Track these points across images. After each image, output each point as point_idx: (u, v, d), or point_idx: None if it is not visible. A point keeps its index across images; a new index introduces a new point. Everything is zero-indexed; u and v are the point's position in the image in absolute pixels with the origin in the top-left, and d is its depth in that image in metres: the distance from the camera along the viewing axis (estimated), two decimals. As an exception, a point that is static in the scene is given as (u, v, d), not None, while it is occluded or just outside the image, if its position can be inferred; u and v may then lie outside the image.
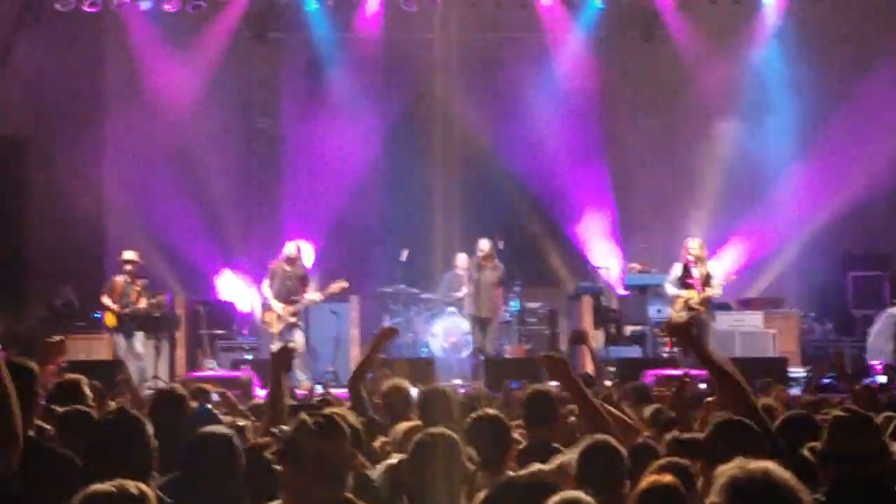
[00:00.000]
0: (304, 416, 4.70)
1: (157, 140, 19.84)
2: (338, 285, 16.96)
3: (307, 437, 4.45)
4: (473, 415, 5.77)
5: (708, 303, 16.72)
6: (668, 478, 4.91)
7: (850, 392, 9.66)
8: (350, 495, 4.48)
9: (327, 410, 5.61)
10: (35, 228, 19.58)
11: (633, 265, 17.55)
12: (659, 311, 18.26)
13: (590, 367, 16.41)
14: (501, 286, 17.87)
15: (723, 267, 18.35)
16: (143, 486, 3.84)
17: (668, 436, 6.52)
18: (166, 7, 19.22)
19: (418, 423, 6.93)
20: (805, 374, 16.80)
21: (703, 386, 11.12)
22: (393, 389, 7.73)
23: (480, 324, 17.63)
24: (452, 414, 6.90)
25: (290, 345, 16.34)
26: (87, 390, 7.10)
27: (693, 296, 16.54)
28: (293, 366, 16.19)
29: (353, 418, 5.39)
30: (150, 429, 5.26)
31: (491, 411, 5.85)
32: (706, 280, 16.62)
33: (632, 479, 5.08)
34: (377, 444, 6.80)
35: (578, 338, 16.00)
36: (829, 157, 19.37)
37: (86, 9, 18.91)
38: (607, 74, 20.85)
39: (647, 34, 20.64)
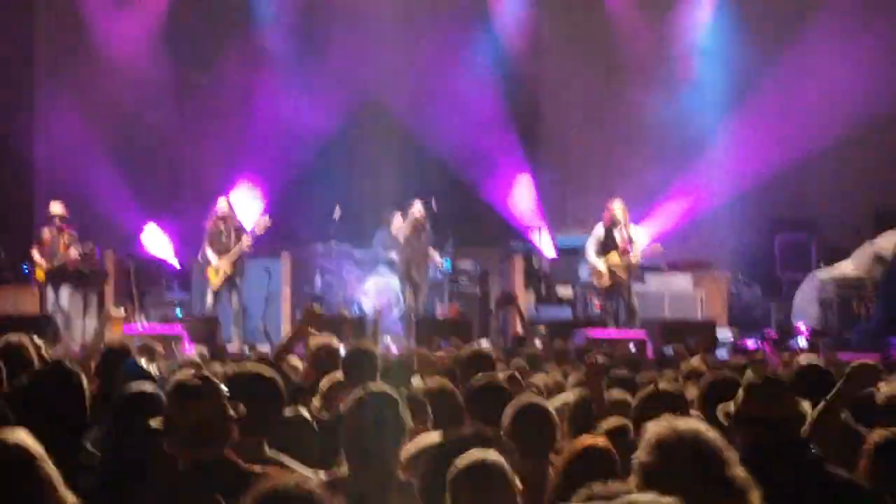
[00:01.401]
0: (180, 377, 4.77)
1: (89, 94, 19.61)
2: (261, 224, 16.98)
3: (178, 398, 4.54)
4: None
5: (629, 267, 16.80)
6: (600, 440, 4.97)
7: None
8: (231, 454, 4.52)
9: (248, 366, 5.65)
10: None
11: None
12: (590, 274, 18.39)
13: (519, 329, 16.58)
14: (430, 247, 17.84)
15: (648, 231, 18.48)
16: (23, 436, 3.82)
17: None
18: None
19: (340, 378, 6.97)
20: (732, 337, 17.02)
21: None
22: (321, 347, 7.73)
23: (411, 283, 17.62)
24: (376, 372, 6.91)
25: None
26: (31, 351, 7.06)
27: (614, 258, 16.62)
28: (223, 324, 16.34)
29: (269, 371, 5.39)
30: (84, 382, 5.26)
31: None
32: (629, 243, 16.69)
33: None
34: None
35: (507, 299, 16.19)
36: (758, 122, 19.54)
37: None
38: (542, 36, 20.84)
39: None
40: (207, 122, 20.53)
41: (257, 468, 4.56)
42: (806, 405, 5.12)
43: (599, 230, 16.90)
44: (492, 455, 4.14)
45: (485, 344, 13.26)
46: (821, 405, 5.44)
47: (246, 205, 19.42)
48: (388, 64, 20.27)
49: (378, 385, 5.13)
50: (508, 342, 15.92)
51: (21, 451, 3.74)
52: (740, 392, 5.04)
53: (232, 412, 4.58)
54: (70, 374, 5.32)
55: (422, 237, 17.53)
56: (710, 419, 5.29)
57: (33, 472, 3.71)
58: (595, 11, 20.53)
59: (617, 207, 16.83)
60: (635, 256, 16.72)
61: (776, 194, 19.56)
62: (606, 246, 16.76)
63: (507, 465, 4.14)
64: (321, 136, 20.16)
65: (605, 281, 16.79)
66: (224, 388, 4.64)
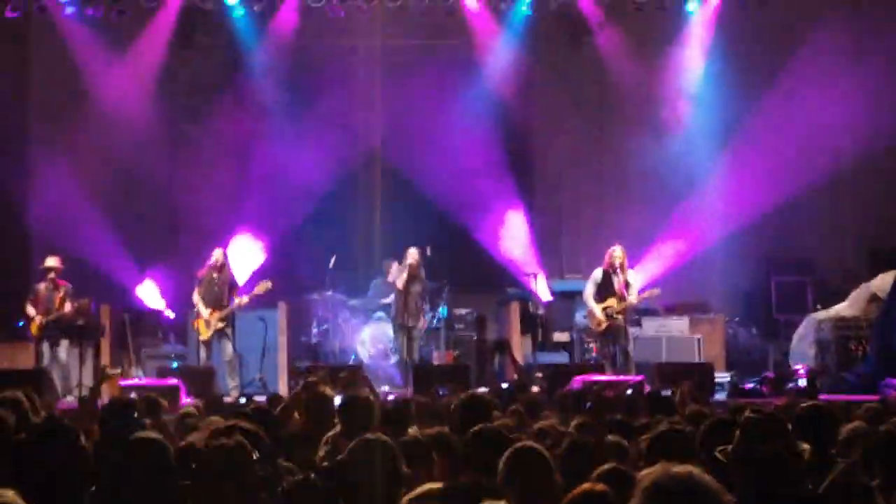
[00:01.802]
0: (215, 435, 4.75)
1: (82, 146, 19.64)
2: (262, 286, 16.96)
3: (212, 457, 4.52)
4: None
5: (626, 311, 16.81)
6: (599, 486, 4.93)
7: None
8: None
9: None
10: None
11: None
12: (586, 317, 18.39)
13: (514, 374, 16.55)
14: (424, 298, 17.79)
15: (644, 274, 18.49)
16: (10, 495, 3.84)
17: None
18: (89, 12, 19.05)
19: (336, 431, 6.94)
20: (730, 379, 16.98)
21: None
22: (315, 398, 7.71)
23: (406, 331, 17.58)
24: (373, 421, 6.89)
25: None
26: (27, 406, 7.05)
27: (612, 304, 16.63)
28: (221, 374, 16.29)
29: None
30: (81, 438, 5.24)
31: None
32: (626, 287, 16.71)
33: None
34: None
35: (500, 346, 16.12)
36: (749, 162, 19.56)
37: (8, 14, 18.68)
38: (535, 81, 20.90)
39: (575, 42, 20.71)
40: (202, 173, 20.52)
41: None
42: (805, 445, 5.11)
43: (598, 274, 16.90)
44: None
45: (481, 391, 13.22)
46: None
47: (242, 255, 19.45)
48: (381, 112, 20.34)
49: (374, 434, 5.10)
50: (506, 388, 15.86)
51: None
52: (738, 431, 5.02)
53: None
54: (67, 430, 5.29)
55: (417, 284, 17.51)
56: (710, 461, 5.28)
57: None
58: (585, 56, 20.59)
59: (617, 253, 16.84)
60: (632, 300, 16.74)
61: (771, 236, 19.57)
62: (604, 290, 16.75)
63: None
64: (316, 186, 20.16)
65: (602, 325, 16.78)
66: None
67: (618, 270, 16.74)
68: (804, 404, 7.20)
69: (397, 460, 4.84)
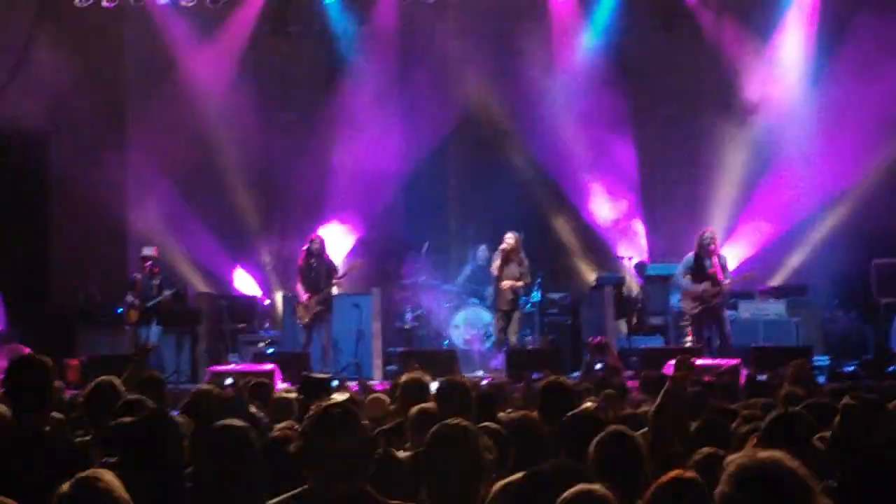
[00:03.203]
0: (318, 410, 4.73)
1: (178, 135, 19.88)
2: (353, 266, 17.27)
3: (322, 432, 4.49)
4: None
5: (721, 294, 16.67)
6: (689, 473, 4.86)
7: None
8: (369, 488, 4.51)
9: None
10: (57, 226, 19.60)
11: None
12: (680, 300, 18.25)
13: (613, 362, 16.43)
14: (526, 278, 17.73)
15: (738, 257, 18.32)
16: (109, 476, 3.94)
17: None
18: (183, 2, 19.27)
19: (431, 405, 6.94)
20: (828, 363, 16.75)
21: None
22: (410, 381, 7.73)
23: (504, 316, 17.57)
24: (471, 406, 6.88)
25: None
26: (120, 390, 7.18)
27: (707, 287, 16.50)
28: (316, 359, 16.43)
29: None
30: (180, 427, 5.32)
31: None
32: (720, 270, 16.58)
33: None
34: None
35: (601, 348, 15.77)
36: (850, 142, 19.23)
37: (105, 3, 18.93)
38: (628, 63, 20.73)
39: (667, 24, 20.55)
40: (295, 160, 20.69)
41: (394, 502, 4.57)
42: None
43: (690, 258, 16.80)
44: (599, 488, 4.07)
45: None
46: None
47: (337, 242, 19.61)
48: (475, 93, 20.28)
49: (456, 419, 5.07)
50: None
51: (104, 490, 3.84)
52: (838, 416, 4.95)
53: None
54: (167, 419, 5.37)
55: (512, 268, 17.47)
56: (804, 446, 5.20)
57: None
58: (683, 35, 20.41)
59: (708, 235, 16.74)
60: (727, 283, 16.61)
61: (870, 216, 19.20)
62: (698, 273, 16.63)
63: (613, 499, 4.06)
64: (408, 171, 20.24)
65: (698, 309, 16.64)
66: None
67: (710, 253, 16.61)
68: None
69: (479, 447, 4.79)
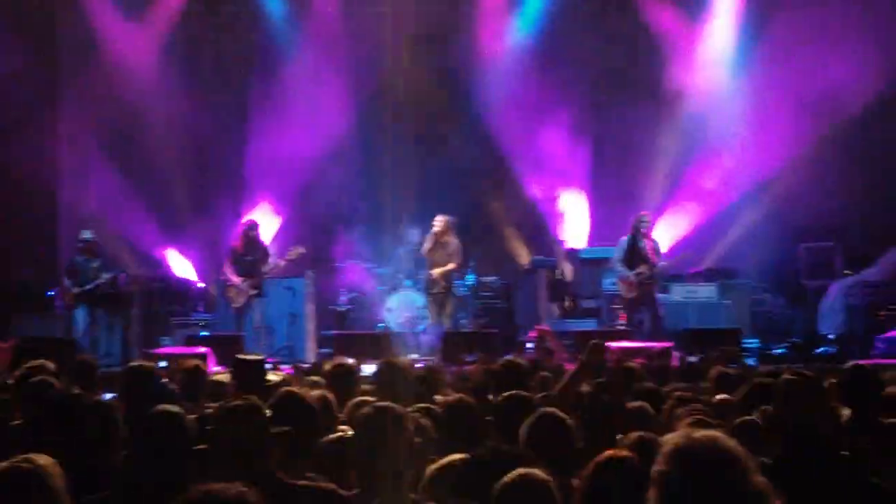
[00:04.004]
0: (224, 401, 4.83)
1: (109, 115, 19.72)
2: (295, 252, 17.19)
3: (222, 421, 4.58)
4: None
5: (654, 277, 16.83)
6: (624, 452, 4.92)
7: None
8: (280, 473, 4.57)
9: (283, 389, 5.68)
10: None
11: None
12: (613, 283, 18.37)
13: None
14: (455, 263, 17.75)
15: (670, 239, 18.50)
16: (45, 458, 3.94)
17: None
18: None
19: (369, 398, 6.95)
20: (758, 345, 16.96)
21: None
22: (337, 367, 7.74)
23: (435, 299, 17.59)
24: (409, 387, 6.90)
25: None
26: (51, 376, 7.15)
27: (643, 270, 16.63)
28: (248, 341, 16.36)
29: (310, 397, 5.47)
30: (115, 411, 5.31)
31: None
32: (653, 252, 16.72)
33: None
34: None
35: (542, 340, 15.74)
36: (777, 127, 19.46)
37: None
38: (560, 47, 20.80)
39: (600, 7, 20.72)
40: (229, 143, 20.61)
41: (303, 482, 4.61)
42: (846, 411, 5.09)
43: (625, 241, 16.90)
44: (538, 473, 4.11)
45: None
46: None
47: (269, 223, 19.56)
48: (411, 75, 20.28)
49: (384, 402, 5.09)
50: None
51: (40, 470, 3.83)
52: (777, 395, 5.02)
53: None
54: (98, 404, 5.35)
55: (443, 251, 17.49)
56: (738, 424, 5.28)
57: (47, 489, 3.87)
58: (616, 19, 20.57)
59: (644, 218, 16.87)
60: (663, 266, 16.78)
61: (798, 201, 19.42)
62: (633, 256, 16.75)
63: (552, 484, 4.10)
64: (343, 154, 20.21)
65: (633, 292, 16.77)
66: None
67: (644, 236, 16.75)
68: (847, 366, 7.18)
69: (405, 429, 4.82)
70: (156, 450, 5.13)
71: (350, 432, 6.35)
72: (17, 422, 6.43)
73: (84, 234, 17.34)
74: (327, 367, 7.85)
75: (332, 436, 5.84)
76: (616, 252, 17.07)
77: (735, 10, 20.29)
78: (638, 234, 16.79)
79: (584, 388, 8.50)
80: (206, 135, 20.73)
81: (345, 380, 7.46)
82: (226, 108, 20.80)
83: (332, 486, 4.78)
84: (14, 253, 18.74)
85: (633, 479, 4.55)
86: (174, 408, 5.45)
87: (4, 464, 3.98)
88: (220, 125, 20.69)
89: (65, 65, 20.05)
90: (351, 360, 7.94)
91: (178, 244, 20.11)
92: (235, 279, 17.09)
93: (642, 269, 16.66)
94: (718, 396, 7.31)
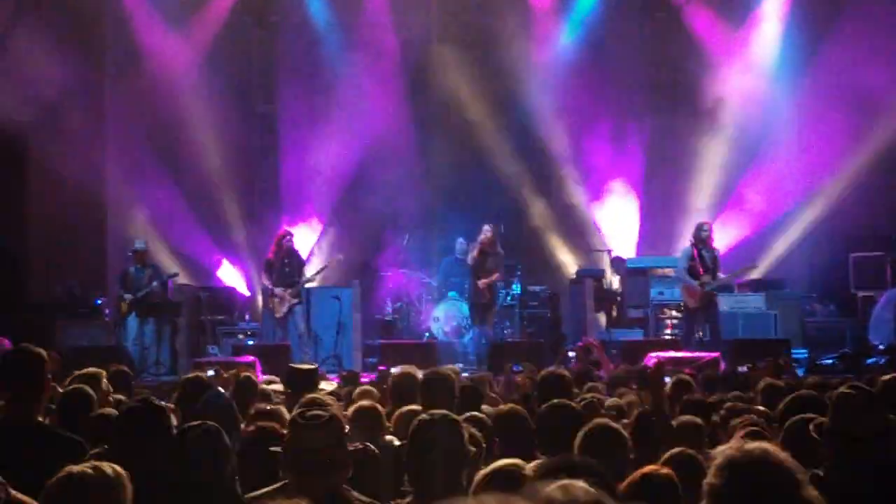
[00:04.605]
0: (299, 412, 4.79)
1: (157, 127, 19.87)
2: (333, 259, 17.28)
3: (300, 432, 4.56)
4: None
5: (720, 287, 16.77)
6: (663, 469, 4.88)
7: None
8: (346, 487, 4.56)
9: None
10: (36, 217, 19.46)
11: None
12: (661, 293, 18.30)
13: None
14: (499, 272, 17.73)
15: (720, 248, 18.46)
16: (117, 468, 3.95)
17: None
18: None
19: (417, 407, 6.94)
20: (807, 356, 16.83)
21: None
22: (401, 375, 7.74)
23: (481, 308, 17.57)
24: (454, 397, 6.89)
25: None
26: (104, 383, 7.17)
27: (708, 279, 16.51)
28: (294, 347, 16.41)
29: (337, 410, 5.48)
30: (171, 418, 5.32)
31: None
32: (715, 263, 16.63)
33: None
34: None
35: (587, 352, 15.58)
36: (828, 136, 19.33)
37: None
38: (607, 56, 20.73)
39: (647, 16, 20.64)
40: (274, 151, 20.71)
41: (365, 499, 4.64)
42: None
43: (689, 250, 16.80)
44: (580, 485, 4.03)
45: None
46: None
47: (312, 235, 19.66)
48: (456, 84, 20.28)
49: (439, 410, 5.09)
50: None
51: (107, 479, 3.87)
52: (831, 406, 4.97)
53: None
54: (158, 409, 5.36)
55: (489, 261, 17.47)
56: (791, 436, 5.22)
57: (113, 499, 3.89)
58: (664, 24, 20.51)
59: (706, 227, 16.78)
60: (725, 277, 16.69)
61: (849, 211, 19.28)
62: (697, 266, 16.63)
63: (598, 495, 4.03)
64: (390, 165, 20.19)
65: (697, 301, 16.65)
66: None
67: (706, 245, 16.65)
68: (886, 377, 7.12)
69: (462, 438, 4.81)
70: (193, 462, 5.14)
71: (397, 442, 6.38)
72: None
73: (136, 245, 17.49)
74: (393, 374, 7.90)
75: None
76: (680, 261, 16.99)
77: (787, 14, 20.15)
78: (700, 244, 16.69)
79: (631, 399, 8.48)
80: (253, 144, 20.84)
81: (408, 388, 7.46)
82: (271, 117, 20.88)
83: None
84: (62, 262, 18.85)
85: (670, 497, 4.53)
86: (212, 424, 5.44)
87: (73, 468, 4.00)
88: (267, 136, 20.78)
89: (112, 76, 20.12)
90: (414, 369, 7.94)
91: (227, 253, 20.20)
92: (277, 290, 17.18)
93: (706, 278, 16.54)
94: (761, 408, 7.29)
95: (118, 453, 4.86)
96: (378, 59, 20.49)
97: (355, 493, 4.69)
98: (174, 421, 5.57)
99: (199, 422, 5.36)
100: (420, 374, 7.57)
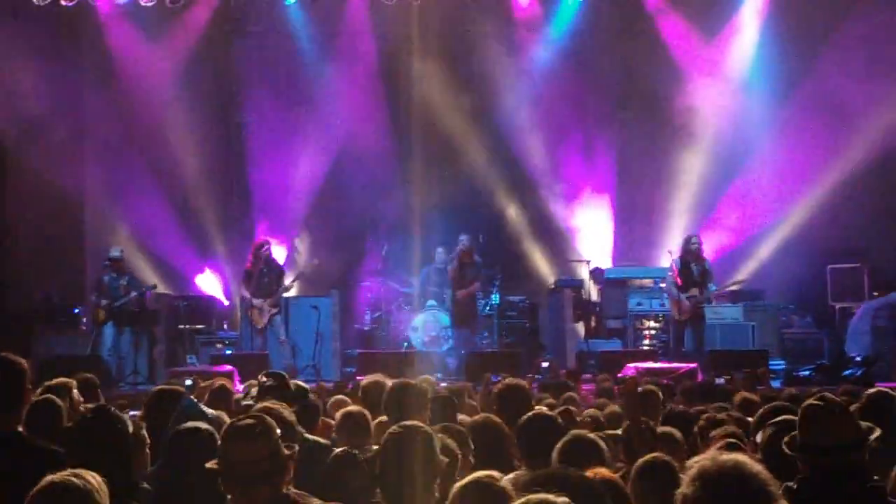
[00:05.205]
0: (230, 420, 4.79)
1: (134, 136, 19.87)
2: (311, 263, 17.32)
3: (225, 441, 4.56)
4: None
5: (707, 300, 16.78)
6: (605, 471, 4.90)
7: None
8: (294, 492, 4.55)
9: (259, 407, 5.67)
10: (13, 226, 19.40)
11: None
12: (639, 304, 18.33)
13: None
14: (478, 282, 17.76)
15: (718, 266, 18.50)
16: (97, 476, 3.95)
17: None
18: (143, 1, 19.19)
19: (384, 417, 6.96)
20: (784, 367, 16.88)
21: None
22: (370, 385, 7.73)
23: (460, 319, 17.58)
24: (424, 408, 6.88)
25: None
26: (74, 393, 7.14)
27: (695, 293, 16.53)
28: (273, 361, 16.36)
29: (287, 413, 5.50)
30: (129, 426, 5.29)
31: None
32: (704, 276, 16.63)
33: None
34: None
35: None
36: (804, 147, 19.40)
37: (63, 2, 18.82)
38: (588, 67, 20.78)
39: (627, 28, 20.66)
40: (255, 163, 20.69)
41: (317, 500, 4.61)
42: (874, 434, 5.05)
43: (677, 263, 16.82)
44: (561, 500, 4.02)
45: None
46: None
47: (290, 245, 19.65)
48: (435, 94, 20.26)
49: (411, 421, 5.08)
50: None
51: (88, 487, 3.91)
52: (798, 419, 4.99)
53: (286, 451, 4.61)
54: (115, 418, 5.34)
55: (468, 272, 17.49)
56: (767, 448, 5.24)
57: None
58: (642, 39, 20.52)
59: (695, 240, 16.80)
60: (713, 290, 16.70)
61: (826, 223, 19.35)
62: (685, 279, 16.65)
63: None
64: (368, 174, 20.18)
65: (685, 315, 16.67)
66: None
67: (696, 258, 16.66)
68: (870, 391, 7.15)
69: (434, 449, 4.81)
70: (183, 466, 5.14)
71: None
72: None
73: (112, 253, 17.42)
74: (363, 383, 7.88)
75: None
76: (668, 274, 17.01)
77: (758, 29, 20.22)
78: (689, 256, 16.70)
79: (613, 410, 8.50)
80: (230, 153, 20.86)
81: (378, 398, 7.45)
82: (249, 125, 20.85)
83: None
84: (40, 270, 18.79)
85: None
86: (203, 424, 5.46)
87: (54, 477, 4.00)
88: (246, 145, 20.77)
89: (90, 84, 20.06)
90: (383, 379, 7.95)
91: (206, 262, 20.17)
92: (256, 301, 17.15)
93: (694, 292, 16.56)
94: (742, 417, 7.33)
95: (74, 461, 4.85)
96: (356, 68, 20.50)
97: (302, 496, 4.66)
98: (142, 430, 5.53)
99: (192, 424, 5.36)
100: (389, 384, 7.57)
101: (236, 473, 4.48)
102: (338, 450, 6.31)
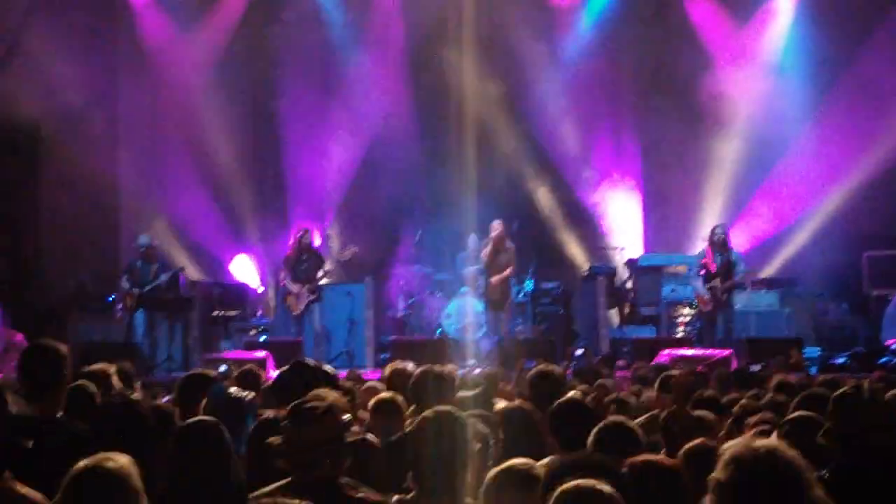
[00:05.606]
0: (293, 405, 4.81)
1: (169, 125, 19.97)
2: (348, 250, 17.31)
3: (293, 425, 4.58)
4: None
5: (732, 290, 16.65)
6: (664, 458, 4.87)
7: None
8: (345, 479, 4.58)
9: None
10: (49, 213, 19.50)
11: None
12: (673, 290, 18.26)
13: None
14: (511, 266, 17.71)
15: (741, 249, 18.40)
16: (129, 458, 3.97)
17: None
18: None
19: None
20: (819, 354, 16.79)
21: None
22: (393, 372, 7.74)
23: (494, 305, 17.57)
24: (446, 395, 6.85)
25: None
26: (115, 379, 7.17)
27: (717, 283, 16.44)
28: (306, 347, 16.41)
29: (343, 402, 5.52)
30: (147, 413, 5.33)
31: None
32: (729, 266, 16.53)
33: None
34: None
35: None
36: (841, 134, 19.28)
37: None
38: (622, 55, 20.71)
39: (659, 15, 20.60)
40: (288, 150, 20.72)
41: (361, 493, 4.65)
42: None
43: (702, 253, 16.75)
44: (604, 486, 3.97)
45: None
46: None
47: (323, 233, 19.68)
48: (469, 81, 20.23)
49: (444, 407, 5.07)
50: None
51: (122, 470, 3.94)
52: (830, 406, 4.96)
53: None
54: (132, 405, 5.38)
55: (501, 257, 17.46)
56: (796, 434, 5.20)
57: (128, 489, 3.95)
58: (674, 28, 20.43)
59: (720, 230, 16.68)
60: (737, 280, 16.59)
61: (862, 210, 19.23)
62: (707, 269, 16.57)
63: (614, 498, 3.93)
64: (403, 162, 20.18)
65: (709, 306, 16.60)
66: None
67: (722, 248, 16.56)
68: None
69: (465, 435, 4.79)
70: (192, 459, 5.14)
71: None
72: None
73: (141, 240, 17.42)
74: (386, 372, 7.87)
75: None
76: (694, 265, 16.93)
77: (793, 14, 20.11)
78: (713, 246, 16.60)
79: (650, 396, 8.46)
80: (265, 139, 20.90)
81: (402, 385, 7.45)
82: (283, 112, 20.88)
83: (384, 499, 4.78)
84: (74, 257, 18.89)
85: (671, 485, 4.51)
86: (211, 419, 5.43)
87: (88, 461, 4.01)
88: (279, 133, 20.80)
89: (126, 73, 20.14)
90: (408, 364, 7.94)
91: (241, 248, 20.23)
92: (294, 287, 17.20)
93: (715, 283, 16.47)
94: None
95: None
96: (389, 54, 20.51)
97: (352, 483, 4.70)
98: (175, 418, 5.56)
99: (197, 418, 5.37)
100: (414, 371, 7.56)
101: (300, 455, 4.54)
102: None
